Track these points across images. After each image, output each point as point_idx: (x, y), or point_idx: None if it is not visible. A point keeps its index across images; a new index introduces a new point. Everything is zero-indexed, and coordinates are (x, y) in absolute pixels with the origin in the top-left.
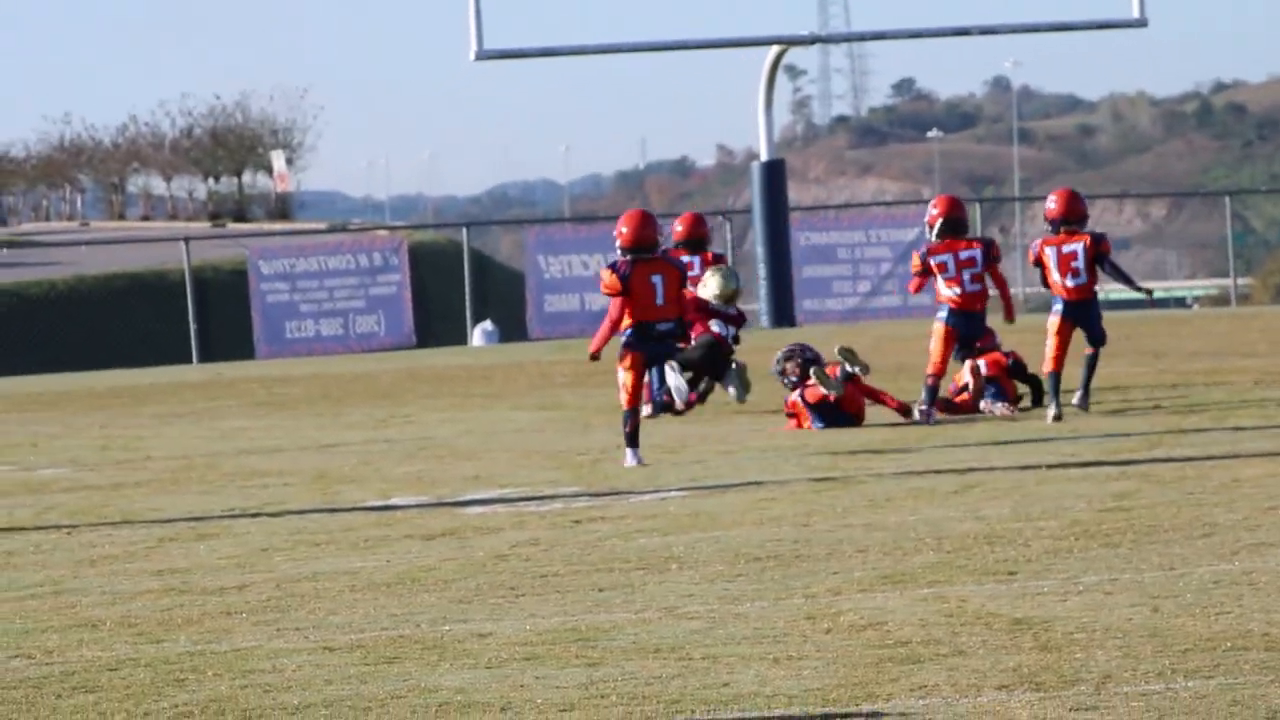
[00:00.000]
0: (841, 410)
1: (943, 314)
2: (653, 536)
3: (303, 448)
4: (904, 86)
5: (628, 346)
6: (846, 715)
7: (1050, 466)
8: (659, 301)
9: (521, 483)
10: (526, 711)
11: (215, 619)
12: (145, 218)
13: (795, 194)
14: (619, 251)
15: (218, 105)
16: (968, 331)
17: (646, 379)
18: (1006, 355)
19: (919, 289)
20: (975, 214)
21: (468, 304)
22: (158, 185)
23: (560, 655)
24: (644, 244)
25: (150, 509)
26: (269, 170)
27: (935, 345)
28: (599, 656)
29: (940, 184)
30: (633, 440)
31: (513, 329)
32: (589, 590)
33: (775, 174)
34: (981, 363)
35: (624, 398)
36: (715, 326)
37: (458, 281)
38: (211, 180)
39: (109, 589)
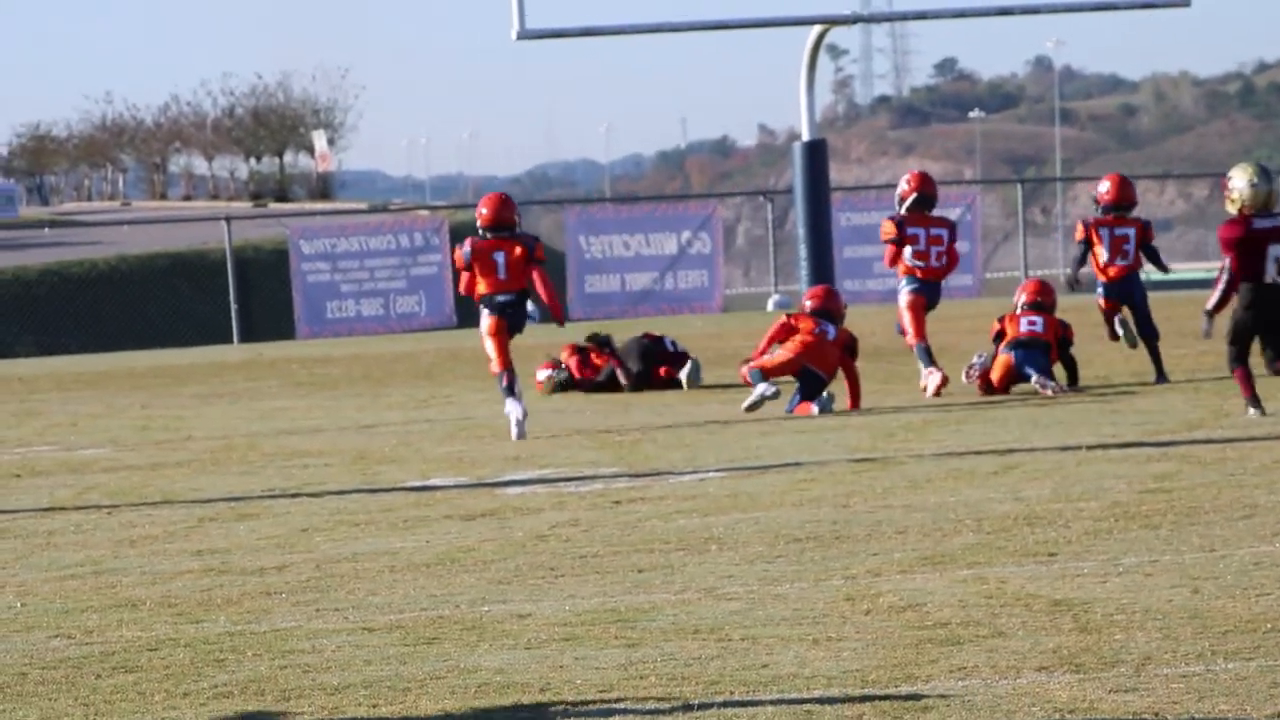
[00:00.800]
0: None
1: (913, 285)
2: (692, 517)
3: (343, 428)
4: (946, 66)
5: (484, 316)
6: (886, 697)
7: (1090, 447)
8: (501, 276)
9: (561, 463)
10: (565, 692)
11: (255, 599)
12: (187, 197)
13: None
14: (479, 231)
15: (259, 85)
16: (933, 300)
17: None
18: (1064, 327)
19: (894, 260)
20: (1017, 194)
21: None
22: (199, 165)
23: (599, 636)
24: (500, 224)
25: (190, 489)
26: (310, 150)
27: (910, 316)
28: (638, 637)
29: (982, 164)
30: (510, 391)
31: None
32: (628, 571)
33: (817, 154)
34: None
35: (493, 364)
36: None
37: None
38: (253, 160)
39: (149, 569)
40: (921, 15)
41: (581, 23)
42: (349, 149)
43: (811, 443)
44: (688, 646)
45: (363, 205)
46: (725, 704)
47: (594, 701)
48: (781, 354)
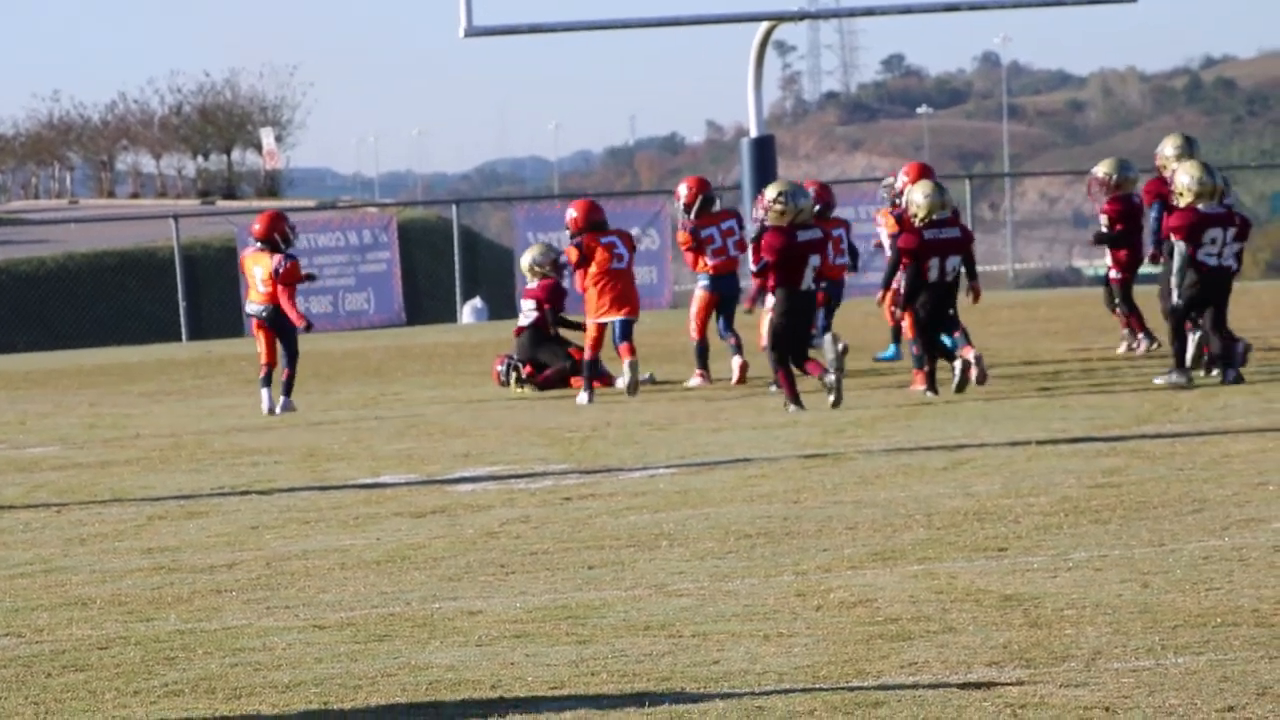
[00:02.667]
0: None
1: (705, 282)
2: (643, 514)
3: (292, 425)
4: (893, 63)
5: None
6: (836, 691)
7: (1040, 442)
8: (260, 288)
9: (511, 460)
10: (516, 689)
11: (205, 597)
12: (134, 195)
13: (785, 170)
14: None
15: (207, 82)
16: (729, 293)
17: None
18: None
19: (696, 264)
20: (964, 190)
21: (457, 281)
22: (147, 163)
23: (550, 633)
24: (264, 237)
25: (140, 487)
26: (258, 147)
27: (697, 311)
28: (589, 634)
29: (930, 160)
30: (267, 382)
31: (502, 306)
32: (579, 568)
33: (765, 150)
34: None
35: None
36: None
37: (447, 259)
38: (201, 158)
39: (99, 567)
40: (869, 11)
41: (530, 19)
42: (297, 146)
43: (762, 439)
44: (638, 643)
45: (311, 203)
46: (676, 700)
47: (545, 698)
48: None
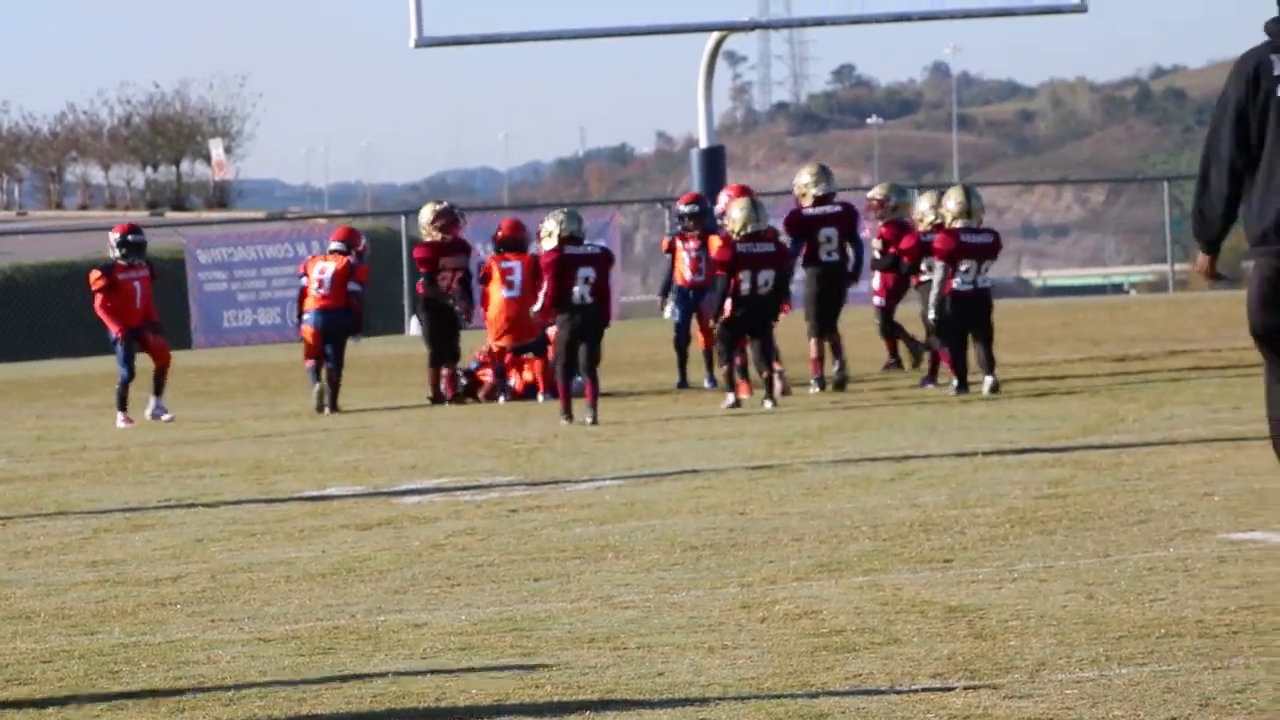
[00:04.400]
0: None
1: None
2: (589, 526)
3: (239, 438)
4: (844, 73)
5: None
6: (781, 703)
7: (986, 453)
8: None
9: (458, 472)
10: (461, 701)
11: (150, 610)
12: (83, 207)
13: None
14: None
15: (156, 94)
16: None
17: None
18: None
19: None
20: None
21: (405, 292)
22: (96, 174)
23: (495, 645)
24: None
25: (86, 499)
26: (207, 159)
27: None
28: (534, 646)
29: (880, 170)
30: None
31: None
32: (525, 580)
33: (715, 161)
34: None
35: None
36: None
37: (395, 270)
38: (150, 169)
39: (43, 580)
40: (820, 21)
41: (480, 30)
42: (247, 157)
43: (709, 450)
44: (584, 655)
45: (260, 214)
46: (621, 712)
47: (490, 710)
48: None
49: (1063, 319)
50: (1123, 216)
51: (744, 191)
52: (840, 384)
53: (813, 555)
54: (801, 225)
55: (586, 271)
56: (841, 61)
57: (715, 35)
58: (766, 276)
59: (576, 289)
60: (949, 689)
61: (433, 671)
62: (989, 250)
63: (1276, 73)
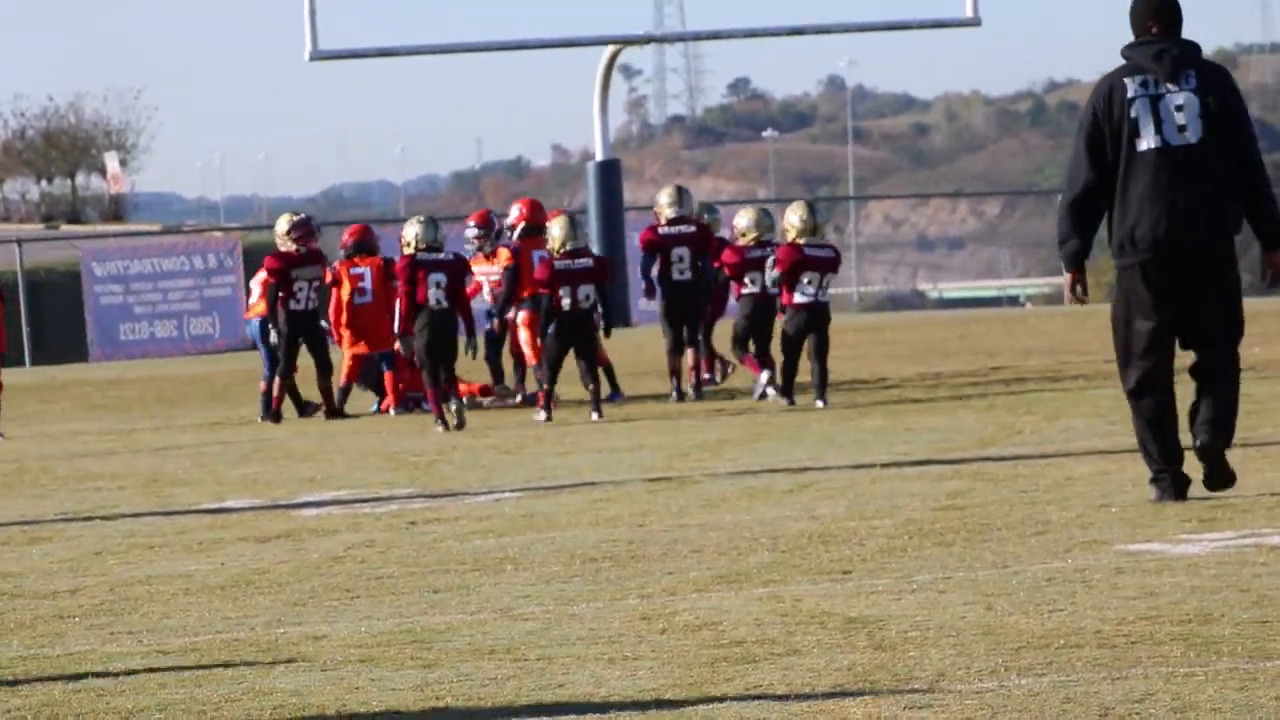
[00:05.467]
0: None
1: (532, 304)
2: (488, 538)
3: (136, 450)
4: (739, 86)
5: None
6: (681, 715)
7: (884, 465)
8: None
9: (357, 484)
10: (362, 713)
11: (48, 623)
12: None
13: (631, 194)
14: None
15: (50, 106)
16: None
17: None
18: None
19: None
20: None
21: None
22: None
23: (395, 657)
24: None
25: None
26: (102, 172)
27: (530, 335)
28: (434, 658)
29: (776, 184)
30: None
31: None
32: (424, 592)
33: (611, 174)
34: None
35: None
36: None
37: None
38: (44, 182)
39: None
40: (715, 35)
41: (375, 43)
42: (142, 170)
43: (607, 462)
44: (484, 666)
45: (156, 227)
46: None
47: None
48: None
49: (959, 331)
50: (1018, 229)
51: (534, 207)
52: (694, 396)
53: (712, 567)
54: (654, 243)
55: (439, 277)
56: (737, 75)
57: (610, 48)
58: (587, 291)
59: (431, 294)
60: (850, 698)
61: (333, 684)
62: (830, 264)
63: (1130, 94)
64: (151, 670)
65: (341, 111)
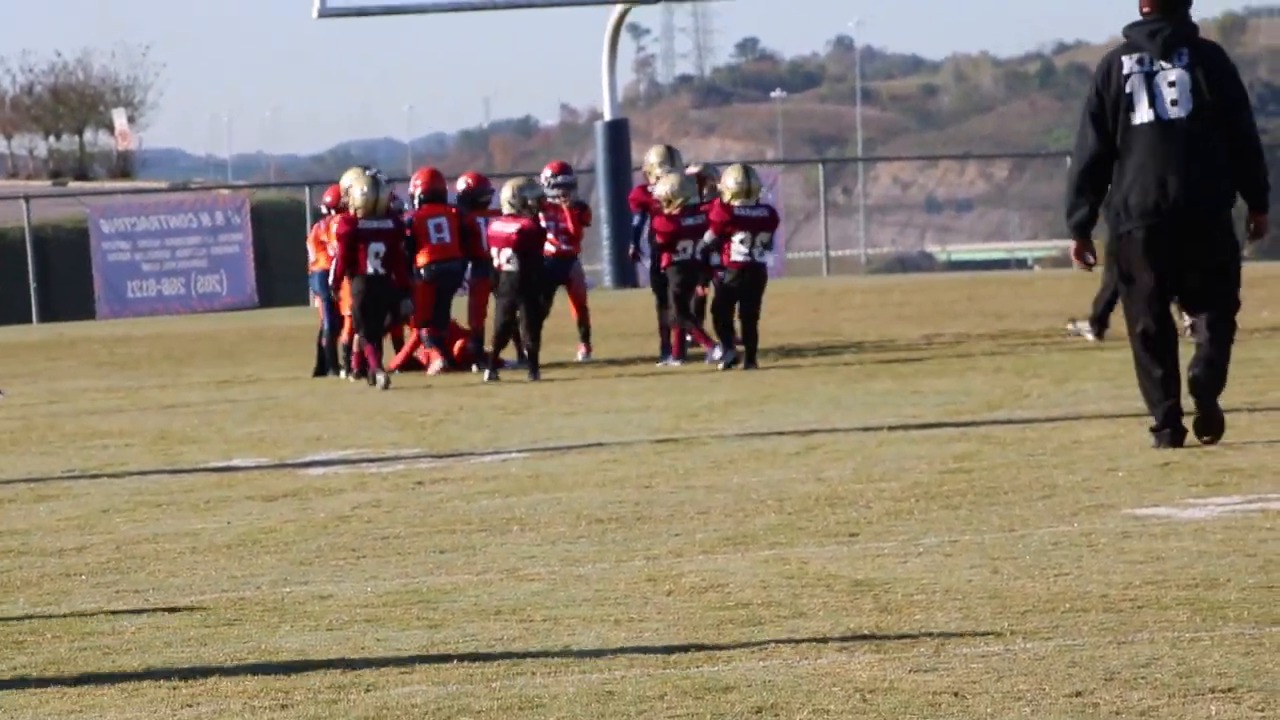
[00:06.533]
0: None
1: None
2: (494, 498)
3: (144, 408)
4: (748, 46)
5: None
6: (686, 676)
7: (892, 428)
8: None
9: (363, 444)
10: (367, 674)
11: (54, 581)
12: None
13: (639, 154)
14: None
15: (59, 62)
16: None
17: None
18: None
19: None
20: (819, 174)
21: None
22: None
23: (401, 617)
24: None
25: None
26: (110, 128)
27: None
28: (440, 618)
29: (783, 144)
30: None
31: None
32: (430, 552)
33: (619, 134)
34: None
35: None
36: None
37: (301, 241)
38: (52, 138)
39: None
40: None
41: (383, 1)
42: (150, 127)
43: (614, 423)
44: (489, 627)
45: (163, 184)
46: (527, 684)
47: (396, 683)
48: None
49: (967, 293)
50: (1026, 192)
51: (433, 176)
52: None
53: (719, 529)
54: (644, 204)
55: (377, 247)
56: (745, 35)
57: (619, 8)
58: (509, 254)
59: (369, 263)
60: (855, 660)
61: (339, 643)
62: (763, 224)
63: (1125, 71)
64: (158, 629)
65: (349, 69)
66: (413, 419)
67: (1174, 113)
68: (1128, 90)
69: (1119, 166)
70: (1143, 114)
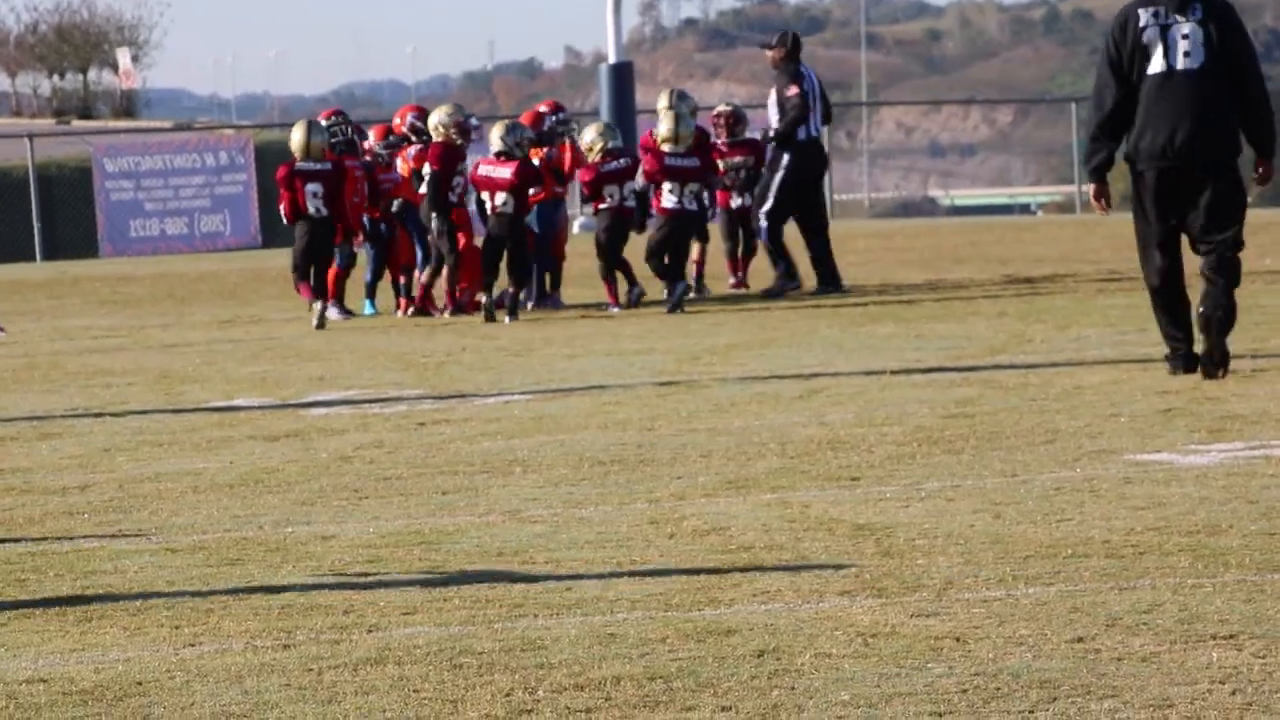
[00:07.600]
0: None
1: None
2: (497, 440)
3: (146, 347)
4: None
5: None
6: (688, 618)
7: (894, 372)
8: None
9: (366, 384)
10: (369, 614)
11: (57, 519)
12: None
13: (643, 96)
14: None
15: (63, 1)
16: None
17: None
18: None
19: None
20: None
21: None
22: (2, 81)
23: (403, 558)
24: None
25: None
26: (115, 67)
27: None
28: (442, 560)
29: None
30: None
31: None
32: (433, 493)
33: (623, 76)
34: None
35: None
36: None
37: None
38: (56, 77)
39: None
40: None
41: None
42: (154, 67)
43: (617, 366)
44: (492, 569)
45: (168, 124)
46: (529, 626)
47: (397, 624)
48: None
49: (970, 239)
50: (1030, 137)
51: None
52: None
53: (721, 472)
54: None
55: (314, 187)
56: None
57: None
58: (504, 197)
59: (309, 203)
60: (856, 604)
61: (341, 584)
62: (692, 173)
63: (1141, 24)
64: (160, 568)
65: (353, 10)
66: (415, 360)
67: (1186, 64)
68: (1144, 42)
69: (1134, 113)
70: (1157, 64)
